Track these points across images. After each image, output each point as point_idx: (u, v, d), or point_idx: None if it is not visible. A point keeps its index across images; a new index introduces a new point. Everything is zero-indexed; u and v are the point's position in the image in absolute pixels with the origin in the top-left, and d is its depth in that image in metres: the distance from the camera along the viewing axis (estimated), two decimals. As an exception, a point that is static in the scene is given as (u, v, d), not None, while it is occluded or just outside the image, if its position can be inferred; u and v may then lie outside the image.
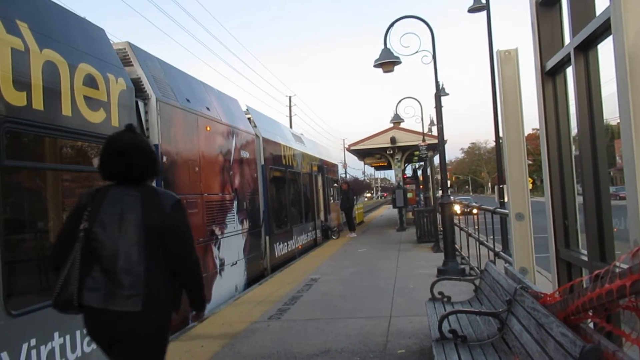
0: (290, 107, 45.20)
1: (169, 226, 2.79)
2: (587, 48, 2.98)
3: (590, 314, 2.42)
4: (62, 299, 2.77)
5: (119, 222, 2.76)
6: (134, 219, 2.76)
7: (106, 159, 2.90)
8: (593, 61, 2.98)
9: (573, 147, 3.61)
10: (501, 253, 7.30)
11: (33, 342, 4.13)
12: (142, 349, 2.75)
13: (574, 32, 3.06)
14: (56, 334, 4.40)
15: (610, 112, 2.96)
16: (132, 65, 6.49)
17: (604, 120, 3.03)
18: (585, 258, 3.21)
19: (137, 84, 6.30)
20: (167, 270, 2.80)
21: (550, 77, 3.66)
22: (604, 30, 2.69)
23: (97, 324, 2.77)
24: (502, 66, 4.58)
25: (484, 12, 12.70)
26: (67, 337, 4.53)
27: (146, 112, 6.45)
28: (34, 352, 4.13)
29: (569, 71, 3.34)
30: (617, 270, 2.07)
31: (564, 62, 3.39)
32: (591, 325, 2.61)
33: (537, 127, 4.00)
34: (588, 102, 2.99)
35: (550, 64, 3.56)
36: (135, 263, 2.72)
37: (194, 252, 2.93)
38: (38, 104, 4.41)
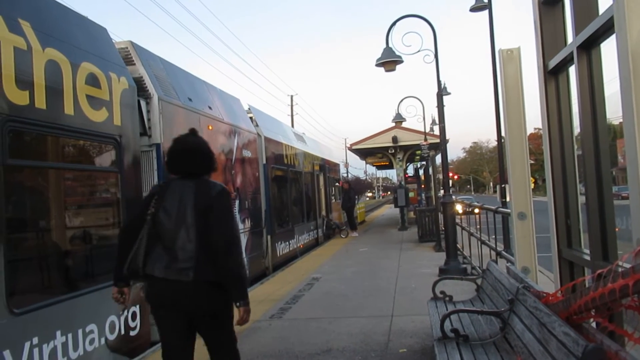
0: (292, 106, 45.22)
1: (212, 206, 3.22)
2: (590, 47, 2.97)
3: (593, 313, 2.41)
4: (131, 269, 3.26)
5: (177, 209, 3.25)
6: (189, 205, 3.23)
7: (172, 156, 3.46)
8: (596, 60, 2.97)
9: (575, 147, 3.60)
10: (503, 252, 7.29)
11: (35, 340, 4.14)
12: (213, 320, 3.25)
13: (577, 30, 3.05)
14: (58, 333, 4.41)
15: (613, 112, 2.96)
16: (135, 64, 6.49)
17: (607, 120, 3.02)
18: (587, 257, 3.21)
19: (139, 83, 6.30)
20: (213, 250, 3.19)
21: (552, 76, 3.65)
22: (607, 28, 2.68)
23: (157, 291, 3.24)
24: (504, 65, 4.57)
25: (486, 11, 12.69)
26: (69, 336, 4.53)
27: (148, 111, 6.46)
28: (36, 350, 4.14)
29: (572, 70, 3.34)
30: (620, 269, 2.06)
31: (567, 61, 3.38)
32: (594, 324, 2.61)
33: (539, 126, 3.99)
34: (591, 101, 2.99)
35: (553, 62, 3.55)
36: (188, 241, 3.18)
37: (233, 232, 3.27)
38: (40, 102, 4.42)
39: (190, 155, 3.40)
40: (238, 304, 3.16)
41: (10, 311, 3.91)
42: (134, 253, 3.26)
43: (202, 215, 3.19)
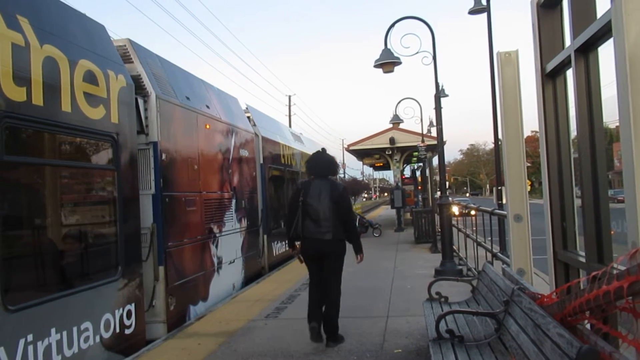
0: (289, 106, 45.20)
1: (341, 199, 5.55)
2: (587, 50, 2.99)
3: (587, 315, 2.42)
4: (294, 233, 5.58)
5: (319, 197, 5.51)
6: (326, 195, 5.50)
7: (314, 165, 5.77)
8: (593, 64, 2.99)
9: (572, 150, 3.62)
10: (499, 254, 7.32)
11: (30, 337, 4.13)
12: (334, 258, 5.53)
13: (575, 34, 3.06)
14: (53, 330, 4.40)
15: (610, 115, 2.97)
16: (133, 62, 6.48)
17: (604, 123, 3.04)
18: (583, 259, 3.22)
19: (137, 81, 6.29)
20: (342, 222, 5.53)
21: (550, 79, 3.66)
22: (604, 32, 2.70)
23: (310, 246, 5.53)
24: (502, 68, 4.59)
25: (485, 14, 12.71)
26: (64, 334, 4.53)
27: (146, 110, 6.45)
28: (30, 347, 4.13)
29: (569, 73, 3.35)
30: (615, 271, 2.07)
31: (565, 64, 3.39)
32: (588, 326, 2.62)
33: (536, 129, 4.01)
34: (588, 104, 3.00)
35: (550, 66, 3.57)
36: (328, 216, 5.45)
37: (352, 213, 5.90)
38: (38, 99, 4.41)
39: (326, 164, 5.76)
40: (358, 253, 5.75)
41: (5, 308, 3.90)
42: (295, 225, 5.56)
43: (334, 202, 5.48)
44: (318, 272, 5.57)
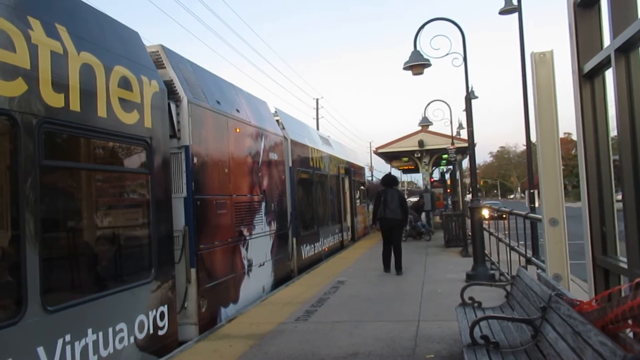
0: (317, 109, 45.31)
1: (403, 198, 10.95)
2: (628, 50, 2.91)
3: (630, 323, 2.35)
4: (378, 217, 10.75)
5: (392, 197, 10.60)
6: (396, 196, 10.69)
7: (387, 180, 11.15)
8: (635, 63, 2.90)
9: (611, 151, 3.52)
10: (533, 259, 7.16)
11: (68, 337, 4.23)
12: (399, 229, 10.91)
13: (615, 33, 2.98)
14: (89, 331, 4.49)
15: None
16: (165, 67, 6.59)
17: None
18: (624, 265, 3.13)
19: (169, 86, 6.39)
20: (403, 210, 10.79)
21: (588, 79, 3.58)
22: (647, 31, 2.62)
23: (387, 222, 10.60)
24: (536, 68, 4.50)
25: (516, 14, 12.50)
26: (100, 334, 4.62)
27: (178, 114, 6.54)
28: (68, 347, 4.22)
29: (609, 74, 3.27)
30: (661, 278, 2.00)
31: (603, 65, 3.31)
32: (631, 334, 2.54)
33: (569, 130, 3.93)
34: (629, 105, 2.92)
35: (588, 66, 3.48)
36: (397, 207, 10.57)
37: (407, 206, 11.56)
38: (75, 105, 4.52)
39: (392, 180, 11.09)
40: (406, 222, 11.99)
41: (44, 309, 4.00)
42: (379, 212, 10.62)
43: (400, 201, 10.62)
44: (389, 238, 10.51)
